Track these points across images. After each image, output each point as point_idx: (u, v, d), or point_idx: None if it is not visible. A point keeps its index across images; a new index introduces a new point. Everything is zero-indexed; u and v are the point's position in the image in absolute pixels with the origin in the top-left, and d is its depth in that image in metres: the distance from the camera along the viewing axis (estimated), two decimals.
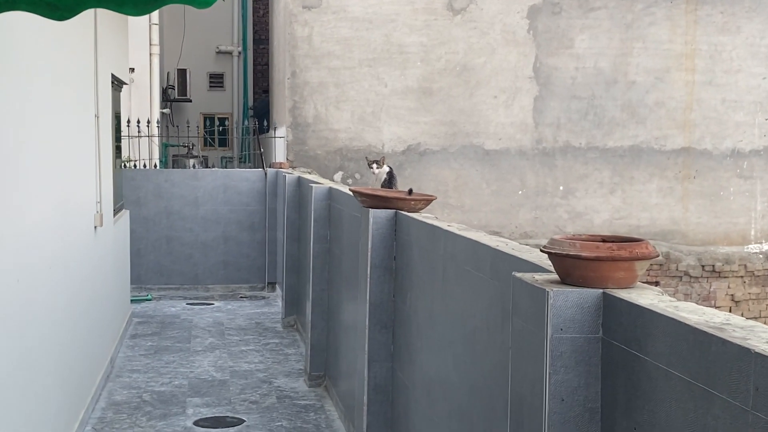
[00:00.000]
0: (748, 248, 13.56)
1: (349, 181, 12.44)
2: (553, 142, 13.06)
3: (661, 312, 2.06)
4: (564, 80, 13.05)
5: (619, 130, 13.29)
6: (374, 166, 8.11)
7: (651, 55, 13.27)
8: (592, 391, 2.36)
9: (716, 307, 13.67)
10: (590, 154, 13.21)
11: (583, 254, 2.36)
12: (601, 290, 2.36)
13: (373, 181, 8.23)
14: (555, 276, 2.53)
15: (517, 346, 2.56)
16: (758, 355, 1.67)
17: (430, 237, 4.20)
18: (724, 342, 1.79)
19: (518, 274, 2.59)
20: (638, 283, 2.44)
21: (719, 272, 13.39)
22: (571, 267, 2.40)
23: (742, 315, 13.37)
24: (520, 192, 12.98)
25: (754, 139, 13.56)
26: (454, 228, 4.05)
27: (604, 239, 2.52)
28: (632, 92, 13.28)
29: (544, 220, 13.09)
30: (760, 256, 13.42)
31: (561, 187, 13.13)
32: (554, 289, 2.35)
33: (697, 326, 1.90)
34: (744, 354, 1.72)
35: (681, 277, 13.40)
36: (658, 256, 2.42)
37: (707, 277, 13.41)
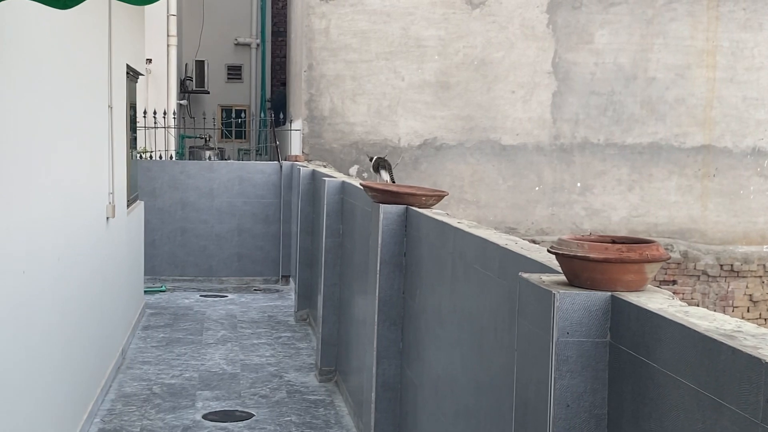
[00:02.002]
0: (767, 248, 13.39)
1: (365, 175, 12.37)
2: (571, 138, 12.94)
3: (670, 317, 1.98)
4: (583, 76, 12.92)
5: (638, 127, 13.16)
6: (382, 172, 8.07)
7: (671, 51, 13.11)
8: (599, 397, 2.29)
9: (734, 308, 13.53)
10: (609, 151, 13.09)
11: (592, 256, 2.28)
12: (610, 293, 2.28)
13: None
14: (563, 277, 2.46)
15: (523, 348, 2.49)
16: None
17: (440, 234, 4.13)
18: (734, 351, 1.71)
19: (525, 275, 2.52)
20: (648, 285, 2.37)
21: (738, 272, 13.24)
22: (579, 268, 2.33)
23: (760, 315, 13.24)
24: (536, 188, 12.88)
25: None
26: (464, 225, 3.98)
27: (614, 240, 2.44)
28: (652, 88, 13.14)
29: (560, 217, 12.98)
30: None
31: (578, 184, 13.01)
32: (561, 291, 2.28)
33: (706, 333, 1.83)
34: (755, 364, 1.64)
35: (699, 276, 13.25)
36: (669, 258, 2.34)
37: (725, 277, 13.26)
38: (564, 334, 2.27)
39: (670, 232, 13.39)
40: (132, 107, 9.44)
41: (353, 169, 12.40)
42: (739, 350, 1.70)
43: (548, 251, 2.48)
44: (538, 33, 12.75)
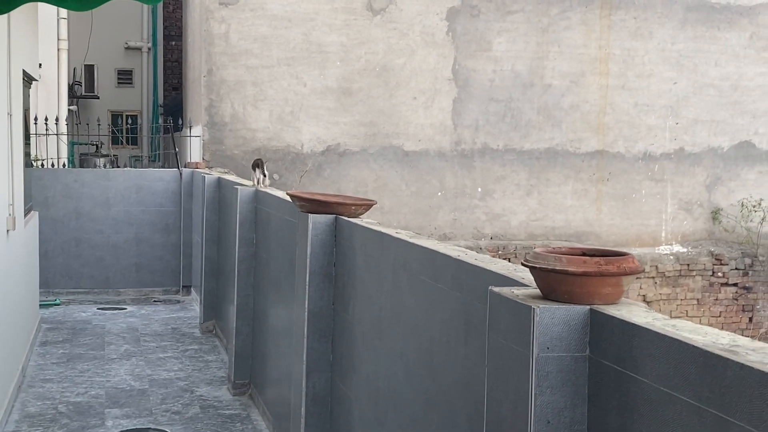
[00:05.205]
0: (659, 249, 13.85)
1: (267, 182, 12.18)
2: (471, 144, 13.08)
3: (663, 332, 1.97)
4: (482, 82, 13.08)
5: (536, 133, 13.41)
6: (257, 170, 8.06)
7: (566, 58, 13.42)
8: (579, 413, 2.26)
9: None
10: (507, 156, 13.29)
11: (571, 269, 2.26)
12: (588, 306, 2.27)
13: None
14: (535, 291, 2.43)
15: (496, 364, 2.44)
16: None
17: (378, 244, 4.07)
18: (743, 366, 1.71)
19: (496, 289, 2.48)
20: (623, 298, 2.36)
21: None
22: (556, 282, 2.30)
23: None
24: (439, 193, 12.96)
25: (665, 143, 13.86)
26: (403, 235, 3.92)
27: (584, 252, 2.43)
28: (548, 95, 13.42)
29: (462, 222, 13.10)
30: (671, 257, 13.72)
31: (479, 189, 13.16)
32: (540, 305, 2.25)
33: (707, 348, 1.82)
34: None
35: None
36: (643, 270, 2.34)
37: None
38: (544, 350, 2.23)
39: (567, 235, 13.69)
40: (26, 114, 9.04)
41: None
42: (748, 366, 1.69)
43: (523, 264, 2.45)
44: (438, 40, 12.85)
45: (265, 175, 8.04)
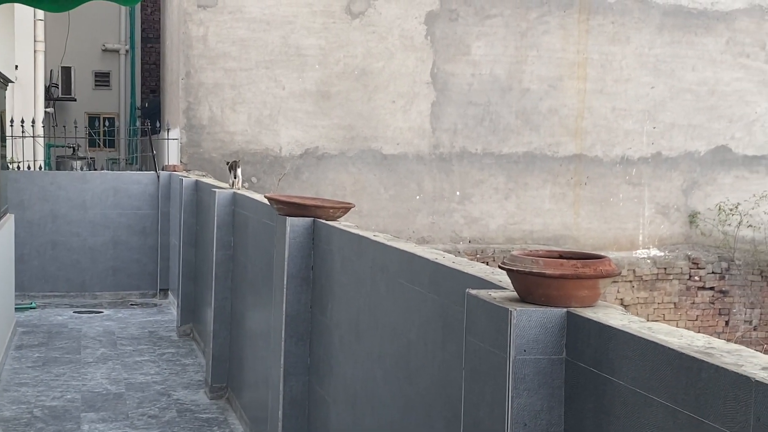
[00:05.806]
0: (636, 253, 13.92)
1: (245, 184, 12.15)
2: (450, 148, 13.10)
3: (639, 335, 1.98)
4: (461, 86, 13.11)
5: (514, 137, 13.45)
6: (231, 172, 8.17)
7: (545, 63, 13.47)
8: (555, 415, 2.27)
9: None
10: (486, 160, 13.32)
11: (547, 272, 2.26)
12: (565, 309, 2.27)
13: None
14: (512, 293, 2.44)
15: (473, 367, 2.44)
16: (759, 384, 1.61)
17: (356, 247, 4.06)
18: (717, 369, 1.71)
19: (473, 291, 2.48)
20: (599, 301, 2.37)
21: None
22: (533, 285, 2.30)
23: None
24: (417, 197, 12.97)
25: (643, 147, 13.94)
26: (381, 238, 3.92)
27: (561, 255, 2.44)
28: (526, 99, 13.46)
29: (441, 225, 13.11)
30: (648, 261, 13.79)
31: (458, 193, 13.18)
32: (517, 308, 2.25)
33: (682, 351, 1.83)
34: (742, 382, 1.64)
35: None
36: (620, 273, 2.35)
37: None
38: (521, 352, 2.24)
39: (545, 238, 13.74)
40: (1, 116, 8.97)
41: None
42: (723, 368, 1.70)
43: (500, 267, 2.45)
44: (416, 44, 12.86)
45: (236, 177, 8.12)
